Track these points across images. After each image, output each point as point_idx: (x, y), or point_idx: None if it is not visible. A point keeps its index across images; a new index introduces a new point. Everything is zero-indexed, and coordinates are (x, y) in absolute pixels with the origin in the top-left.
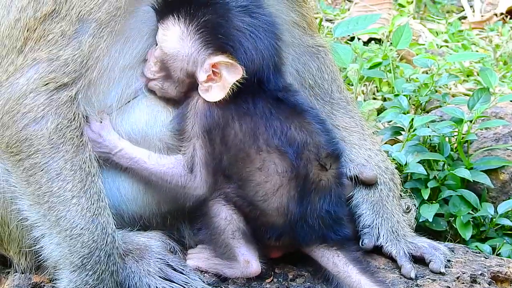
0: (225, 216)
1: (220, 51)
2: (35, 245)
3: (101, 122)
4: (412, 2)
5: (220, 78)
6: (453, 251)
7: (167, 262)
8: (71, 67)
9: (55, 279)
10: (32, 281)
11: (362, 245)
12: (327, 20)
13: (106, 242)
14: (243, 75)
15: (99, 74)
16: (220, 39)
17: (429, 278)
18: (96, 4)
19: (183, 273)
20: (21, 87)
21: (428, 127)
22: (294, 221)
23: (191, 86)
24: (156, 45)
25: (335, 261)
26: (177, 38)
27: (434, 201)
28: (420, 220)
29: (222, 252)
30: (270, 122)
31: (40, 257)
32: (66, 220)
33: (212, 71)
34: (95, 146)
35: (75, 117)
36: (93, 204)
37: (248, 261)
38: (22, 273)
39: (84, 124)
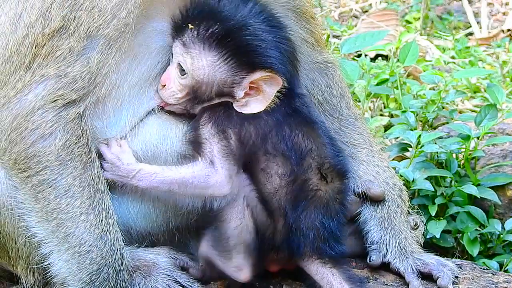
0: (235, 226)
1: (257, 67)
2: (42, 262)
3: (120, 146)
4: (419, 18)
5: (259, 92)
6: (460, 267)
7: (175, 278)
8: (79, 83)
9: None
10: None
11: (369, 261)
12: (334, 36)
13: (115, 259)
14: (283, 84)
15: (107, 91)
16: (255, 57)
17: None
18: (105, 20)
19: None
20: (29, 103)
21: (436, 143)
22: (290, 226)
23: (219, 103)
24: (169, 66)
25: (329, 279)
26: (211, 66)
27: (441, 218)
28: (427, 237)
29: (221, 250)
30: (281, 128)
31: (47, 274)
32: (75, 237)
33: (250, 87)
34: (113, 169)
35: (83, 134)
36: (101, 220)
37: (242, 268)
38: None
39: (92, 142)
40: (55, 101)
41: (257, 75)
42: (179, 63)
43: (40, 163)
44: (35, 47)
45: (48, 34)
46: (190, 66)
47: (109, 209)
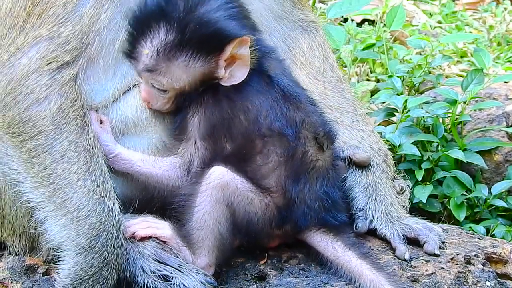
0: (201, 215)
1: (224, 45)
2: (29, 228)
3: (101, 122)
4: None
5: (236, 60)
6: (447, 232)
7: (163, 245)
8: (72, 43)
9: (52, 261)
10: (26, 263)
11: (356, 228)
12: (320, 1)
13: (113, 224)
14: (251, 39)
15: (97, 49)
16: (217, 39)
17: (423, 259)
18: None
19: (178, 257)
20: (23, 67)
21: (422, 108)
22: (293, 200)
23: (204, 91)
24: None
25: (334, 245)
26: (185, 71)
27: (428, 182)
28: (414, 202)
29: (191, 241)
30: (272, 104)
31: (34, 239)
32: (73, 202)
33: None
34: None
35: (78, 97)
36: (99, 186)
37: (210, 266)
38: (16, 255)
39: (86, 105)
40: (49, 64)
41: (228, 50)
42: (153, 86)
43: (35, 127)
44: (30, 6)
45: None
46: (166, 83)
47: (105, 174)
